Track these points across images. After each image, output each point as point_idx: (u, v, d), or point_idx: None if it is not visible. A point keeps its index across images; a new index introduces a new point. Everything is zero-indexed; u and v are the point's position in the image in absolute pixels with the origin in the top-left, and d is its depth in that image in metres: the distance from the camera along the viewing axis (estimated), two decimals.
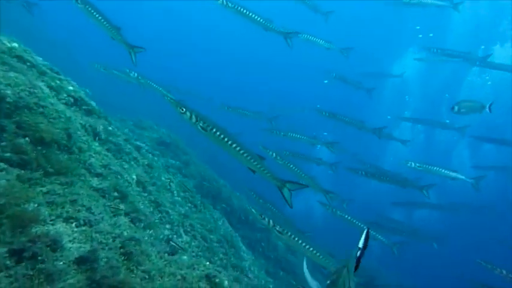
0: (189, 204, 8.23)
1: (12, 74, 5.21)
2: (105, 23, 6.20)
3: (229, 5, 7.73)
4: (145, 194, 6.62)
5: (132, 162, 7.09)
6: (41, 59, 6.71)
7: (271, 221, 5.53)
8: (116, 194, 5.58)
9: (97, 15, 6.13)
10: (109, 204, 5.36)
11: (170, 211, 6.86)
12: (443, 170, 10.70)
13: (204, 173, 12.44)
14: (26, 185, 4.38)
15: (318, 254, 5.66)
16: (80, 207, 4.68)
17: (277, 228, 5.51)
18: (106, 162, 5.97)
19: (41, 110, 5.25)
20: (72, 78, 7.03)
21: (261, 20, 8.18)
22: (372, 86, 13.22)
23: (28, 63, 6.08)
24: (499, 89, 23.21)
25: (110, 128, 7.06)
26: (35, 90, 5.36)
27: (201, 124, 4.53)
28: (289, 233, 5.57)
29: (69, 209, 4.52)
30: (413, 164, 10.86)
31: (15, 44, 6.20)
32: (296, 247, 5.66)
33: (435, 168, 10.75)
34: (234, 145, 4.73)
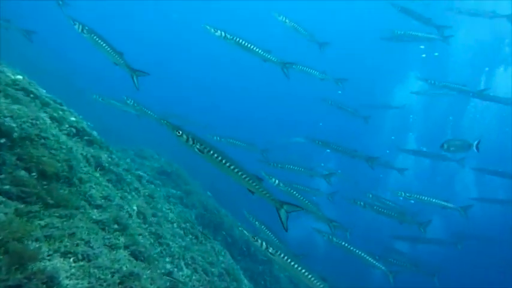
0: (190, 236, 8.05)
1: (15, 106, 5.23)
2: (109, 49, 6.35)
3: (228, 37, 7.87)
4: (146, 226, 6.47)
5: (133, 193, 6.99)
6: (44, 91, 6.77)
7: (263, 243, 5.47)
8: (116, 226, 5.45)
9: (101, 43, 6.29)
10: (108, 237, 5.21)
11: (171, 243, 6.69)
12: (433, 200, 10.85)
13: (206, 203, 12.28)
14: (24, 219, 4.27)
15: (310, 276, 5.58)
16: (79, 240, 4.55)
17: (269, 250, 5.45)
18: (106, 193, 5.88)
19: (42, 141, 5.22)
20: (73, 108, 7.08)
21: (260, 51, 8.29)
22: (368, 114, 13.28)
23: (32, 95, 6.12)
24: (505, 110, 23.21)
25: (111, 159, 7.02)
26: (37, 122, 5.36)
27: (197, 146, 4.53)
28: (281, 255, 5.50)
29: (67, 243, 4.38)
30: (403, 194, 10.97)
31: (19, 76, 6.27)
32: (288, 269, 5.61)
33: (425, 197, 10.85)
34: (231, 167, 4.71)
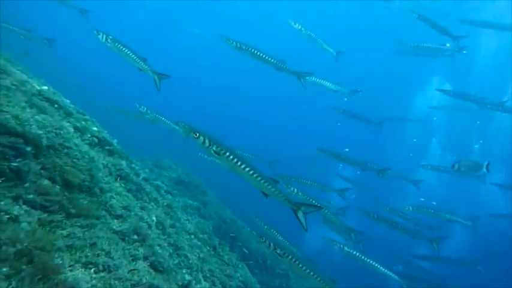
0: (208, 247, 7.96)
1: (39, 116, 5.31)
2: (133, 56, 6.48)
3: (243, 47, 7.86)
4: (165, 237, 6.42)
5: (153, 203, 6.98)
6: (68, 101, 6.90)
7: (271, 244, 5.43)
8: (135, 236, 5.42)
9: (126, 50, 6.42)
10: (128, 248, 5.18)
11: (189, 255, 6.61)
12: (440, 213, 10.74)
13: (222, 214, 12.20)
14: (47, 228, 4.28)
15: (319, 278, 5.51)
16: (100, 251, 4.53)
17: (277, 251, 5.42)
18: (127, 203, 5.88)
19: (66, 151, 5.27)
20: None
21: (275, 61, 8.23)
22: (381, 120, 13.00)
23: (56, 105, 6.22)
24: None
25: (131, 168, 7.04)
26: (61, 131, 5.42)
27: (214, 148, 4.54)
28: (289, 256, 5.44)
29: (89, 254, 4.37)
30: (410, 207, 11.02)
31: (44, 87, 6.39)
32: (297, 270, 5.53)
33: (431, 211, 10.80)
34: (247, 169, 4.68)
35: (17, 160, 4.47)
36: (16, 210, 4.01)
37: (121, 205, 5.73)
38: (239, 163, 4.63)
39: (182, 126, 4.56)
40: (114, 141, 7.02)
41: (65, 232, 4.45)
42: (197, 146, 4.66)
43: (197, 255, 6.96)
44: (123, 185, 6.45)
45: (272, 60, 8.20)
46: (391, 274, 9.18)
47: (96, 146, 6.55)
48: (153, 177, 8.72)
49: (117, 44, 6.45)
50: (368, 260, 8.92)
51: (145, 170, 8.54)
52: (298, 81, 8.94)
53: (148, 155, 13.58)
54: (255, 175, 4.71)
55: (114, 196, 5.76)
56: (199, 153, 12.25)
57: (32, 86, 6.13)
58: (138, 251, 5.29)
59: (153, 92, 7.08)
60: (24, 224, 4.00)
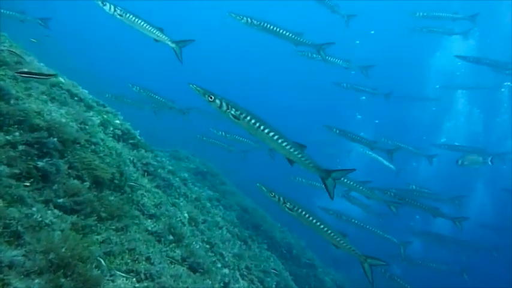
0: (239, 242, 7.59)
1: (63, 110, 4.86)
2: (147, 26, 5.92)
3: (255, 22, 7.20)
4: (198, 233, 6.04)
5: (182, 198, 6.58)
6: (86, 91, 6.42)
7: (281, 198, 5.15)
8: (171, 237, 5.03)
9: (139, 21, 5.85)
10: (165, 249, 4.79)
11: (224, 252, 6.24)
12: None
13: (243, 204, 11.83)
14: (81, 234, 3.88)
15: (330, 232, 5.20)
16: (139, 255, 4.14)
17: (287, 205, 5.13)
18: (158, 200, 5.47)
19: (92, 147, 4.84)
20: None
21: (291, 35, 7.57)
22: (390, 91, 12.40)
23: (76, 98, 5.77)
24: None
25: (157, 162, 6.61)
26: (86, 126, 4.98)
27: (232, 112, 4.02)
28: (299, 210, 5.15)
29: (128, 260, 3.98)
30: (413, 186, 11.35)
31: (61, 79, 5.92)
32: (307, 225, 5.34)
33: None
34: (271, 133, 4.18)
35: (44, 159, 4.05)
36: (49, 216, 3.60)
37: (153, 203, 5.33)
38: (262, 127, 4.12)
39: (194, 88, 3.99)
40: (137, 134, 6.57)
41: (100, 237, 4.06)
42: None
43: (231, 251, 6.59)
44: (151, 180, 6.03)
45: (288, 34, 7.52)
46: (388, 237, 9.43)
47: (120, 140, 6.11)
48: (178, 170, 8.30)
49: (128, 14, 5.82)
50: (365, 226, 9.20)
51: (170, 162, 8.11)
52: (318, 53, 8.34)
53: (164, 146, 13.15)
54: (279, 140, 4.22)
55: (145, 194, 5.35)
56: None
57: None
58: (176, 252, 4.91)
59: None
60: (57, 233, 3.60)
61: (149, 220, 5.01)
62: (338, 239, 4.97)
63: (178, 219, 5.59)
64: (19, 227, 3.32)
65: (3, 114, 4.01)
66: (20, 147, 3.90)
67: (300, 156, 4.32)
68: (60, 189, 4.11)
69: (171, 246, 4.95)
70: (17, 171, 3.73)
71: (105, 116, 5.99)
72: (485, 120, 25.08)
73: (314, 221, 4.90)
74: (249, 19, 7.10)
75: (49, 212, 3.73)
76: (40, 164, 3.98)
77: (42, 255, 3.20)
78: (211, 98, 3.97)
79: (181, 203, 6.26)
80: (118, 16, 5.83)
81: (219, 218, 7.62)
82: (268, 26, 7.30)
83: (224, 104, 3.98)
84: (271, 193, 5.15)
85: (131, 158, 5.91)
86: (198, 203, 7.12)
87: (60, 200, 4.01)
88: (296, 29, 7.76)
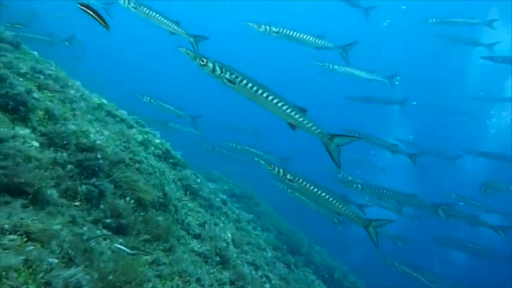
0: (282, 264, 7.21)
1: (107, 131, 4.83)
2: (163, 20, 5.86)
3: (274, 29, 6.91)
4: (243, 255, 5.76)
5: (223, 218, 6.35)
6: (125, 112, 6.45)
7: (281, 170, 4.99)
8: (217, 258, 4.79)
9: (154, 14, 5.80)
10: (212, 271, 4.54)
11: (270, 275, 5.90)
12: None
13: (279, 226, 11.47)
14: (130, 255, 3.70)
15: (332, 199, 4.94)
16: (189, 277, 3.90)
17: (287, 177, 4.96)
18: (202, 220, 5.28)
19: (136, 165, 4.75)
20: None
21: (312, 39, 7.29)
22: (405, 98, 11.84)
23: (117, 118, 5.77)
24: None
25: (197, 182, 6.45)
26: (130, 145, 4.92)
27: (227, 76, 3.71)
28: (300, 180, 4.95)
29: (179, 282, 3.75)
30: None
31: (103, 100, 5.97)
32: (309, 195, 5.22)
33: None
34: (270, 97, 3.84)
35: (91, 179, 3.96)
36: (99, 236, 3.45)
37: (197, 222, 5.13)
38: (260, 91, 3.79)
39: (184, 51, 3.72)
40: (178, 154, 6.48)
41: (149, 258, 3.87)
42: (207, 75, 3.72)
43: (277, 274, 6.23)
44: (193, 199, 5.86)
45: (310, 38, 7.22)
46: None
47: (161, 159, 6.02)
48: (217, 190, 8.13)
49: (142, 7, 5.73)
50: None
51: (209, 183, 7.96)
52: (341, 56, 8.00)
53: (195, 168, 13.07)
54: (280, 104, 3.87)
55: (189, 213, 5.16)
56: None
57: (93, 100, 5.71)
58: (223, 274, 4.64)
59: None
60: (108, 253, 3.44)
61: (194, 240, 4.80)
62: (341, 206, 4.89)
63: (223, 239, 5.34)
64: (70, 250, 3.19)
65: (52, 134, 3.99)
66: (69, 167, 3.84)
67: (301, 119, 4.00)
68: (107, 209, 3.99)
69: (217, 267, 4.69)
70: (66, 190, 3.65)
71: (145, 136, 5.95)
72: None
73: (315, 189, 4.83)
74: (267, 27, 6.84)
75: (98, 231, 3.60)
76: (87, 183, 3.90)
77: (98, 277, 3.03)
78: (202, 61, 3.69)
79: (222, 224, 6.03)
80: (132, 9, 5.76)
81: (260, 239, 7.30)
82: (287, 32, 7.07)
83: (218, 68, 3.69)
84: (271, 166, 5.03)
85: (172, 177, 5.78)
86: (239, 224, 6.86)
87: (108, 220, 3.88)
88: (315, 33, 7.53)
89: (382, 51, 29.51)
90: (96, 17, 3.21)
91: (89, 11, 3.11)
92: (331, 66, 9.09)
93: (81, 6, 3.22)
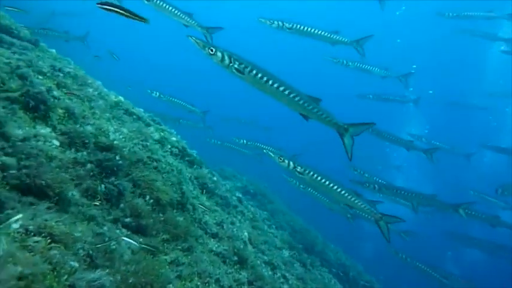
0: (298, 263, 7.15)
1: (125, 129, 4.81)
2: (177, 12, 5.84)
3: (286, 25, 6.75)
4: (260, 254, 5.71)
5: (239, 217, 6.31)
6: (142, 109, 6.44)
7: (291, 163, 4.89)
8: (235, 258, 4.75)
9: (167, 6, 5.79)
10: (230, 271, 4.50)
11: (287, 274, 5.84)
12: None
13: (293, 223, 11.37)
14: (150, 255, 3.68)
15: (343, 192, 4.86)
16: (209, 278, 3.87)
17: (298, 169, 4.87)
18: (219, 219, 5.24)
19: (154, 164, 4.72)
20: None
21: (327, 34, 7.11)
22: (417, 96, 11.54)
23: (134, 116, 5.76)
24: None
25: (213, 181, 6.42)
26: (147, 143, 4.90)
27: (236, 65, 3.61)
28: (311, 173, 4.84)
29: (199, 283, 3.72)
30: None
31: (121, 98, 5.96)
32: (319, 187, 5.10)
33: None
34: (281, 88, 3.71)
35: (110, 178, 3.94)
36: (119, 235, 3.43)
37: (214, 221, 5.10)
38: (270, 82, 3.67)
39: (194, 40, 3.62)
40: (194, 152, 6.45)
41: (168, 258, 3.85)
42: (216, 64, 3.64)
43: (294, 273, 6.18)
44: (209, 198, 5.82)
45: (324, 34, 6.99)
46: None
47: (177, 157, 5.99)
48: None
49: (157, 1, 5.72)
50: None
51: (225, 181, 7.93)
52: (356, 50, 7.76)
53: (208, 164, 13.03)
54: (291, 95, 3.76)
55: (206, 211, 5.12)
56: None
57: (110, 98, 5.71)
58: (241, 274, 4.60)
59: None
60: (128, 253, 3.42)
61: (212, 240, 4.77)
62: (353, 199, 4.82)
63: (240, 239, 5.30)
64: (91, 251, 3.17)
65: (72, 133, 3.98)
66: (89, 166, 3.83)
67: (315, 110, 3.89)
68: (127, 209, 3.98)
69: (235, 267, 4.65)
70: (86, 190, 3.64)
71: (162, 134, 5.92)
72: None
73: (327, 182, 4.75)
74: (280, 22, 6.70)
75: (117, 231, 3.58)
76: (107, 183, 3.88)
77: (120, 279, 3.01)
78: (212, 50, 3.61)
79: (239, 223, 5.99)
80: (145, 1, 5.78)
81: (276, 238, 7.25)
82: (302, 27, 6.91)
83: (226, 57, 3.60)
84: (280, 158, 4.94)
85: (189, 175, 5.75)
86: (255, 222, 6.82)
87: (127, 220, 3.87)
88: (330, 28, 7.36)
89: (398, 39, 28.95)
90: (124, 13, 3.06)
91: (114, 8, 2.96)
92: (344, 62, 8.92)
93: (101, 6, 3.09)
